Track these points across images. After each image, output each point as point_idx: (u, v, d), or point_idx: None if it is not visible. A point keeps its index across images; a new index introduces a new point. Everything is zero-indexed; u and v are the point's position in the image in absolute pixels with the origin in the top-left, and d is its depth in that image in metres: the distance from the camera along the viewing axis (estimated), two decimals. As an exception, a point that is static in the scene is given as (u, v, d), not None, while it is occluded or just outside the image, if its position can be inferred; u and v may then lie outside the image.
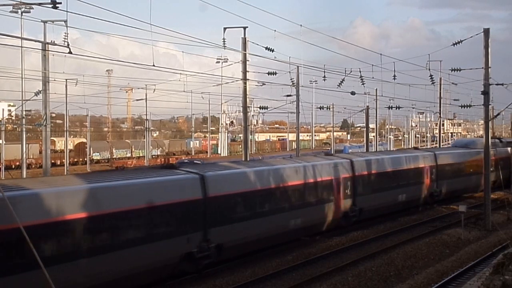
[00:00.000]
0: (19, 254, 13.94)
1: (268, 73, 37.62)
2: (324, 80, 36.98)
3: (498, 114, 42.06)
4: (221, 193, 20.41)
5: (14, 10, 36.09)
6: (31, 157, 69.73)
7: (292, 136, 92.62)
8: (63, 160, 63.20)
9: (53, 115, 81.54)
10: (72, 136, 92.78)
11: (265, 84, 40.52)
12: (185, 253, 18.94)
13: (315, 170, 26.04)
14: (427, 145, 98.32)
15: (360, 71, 35.87)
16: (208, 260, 19.77)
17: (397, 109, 60.40)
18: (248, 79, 31.91)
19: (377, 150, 61.50)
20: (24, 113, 45.95)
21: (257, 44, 30.58)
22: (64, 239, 15.23)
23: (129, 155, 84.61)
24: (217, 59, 62.42)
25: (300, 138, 47.68)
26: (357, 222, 29.22)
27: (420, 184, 35.52)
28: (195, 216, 19.26)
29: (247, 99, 32.83)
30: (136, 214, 17.17)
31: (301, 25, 30.72)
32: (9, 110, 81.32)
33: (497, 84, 33.67)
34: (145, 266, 17.52)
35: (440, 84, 51.60)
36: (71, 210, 15.42)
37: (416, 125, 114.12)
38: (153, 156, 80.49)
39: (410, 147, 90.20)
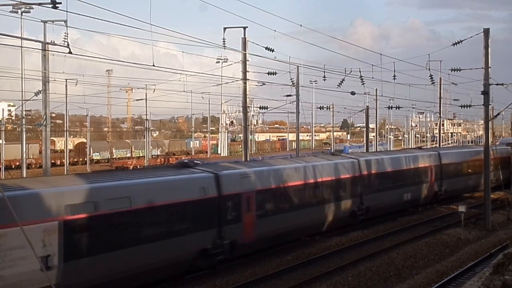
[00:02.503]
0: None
1: (268, 73, 37.62)
2: (324, 80, 36.94)
3: (498, 114, 42.07)
4: (234, 191, 21.02)
5: (14, 10, 36.12)
6: (31, 157, 69.73)
7: (292, 136, 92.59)
8: (63, 160, 63.17)
9: (53, 115, 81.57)
10: (72, 136, 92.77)
11: (265, 84, 40.53)
12: (200, 249, 19.49)
13: (317, 170, 26.57)
14: (427, 145, 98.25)
15: (360, 71, 35.84)
16: (222, 257, 20.30)
17: (397, 109, 60.42)
18: (248, 79, 31.93)
19: (377, 150, 61.52)
20: (24, 113, 45.97)
21: (257, 44, 30.64)
22: (95, 233, 15.89)
23: (129, 155, 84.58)
24: (217, 59, 62.46)
25: (300, 138, 47.67)
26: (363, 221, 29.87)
27: (425, 184, 35.98)
28: (211, 214, 19.96)
29: (247, 99, 32.84)
30: (159, 211, 17.98)
31: (301, 25, 30.72)
32: (9, 110, 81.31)
33: (497, 84, 33.67)
34: (163, 262, 18.06)
35: (440, 84, 51.60)
36: (105, 207, 16.21)
37: (416, 125, 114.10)
38: (153, 156, 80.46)
39: (410, 147, 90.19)
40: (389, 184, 32.06)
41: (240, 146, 73.15)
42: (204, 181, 19.95)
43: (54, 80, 39.88)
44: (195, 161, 24.39)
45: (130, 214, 16.96)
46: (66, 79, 50.43)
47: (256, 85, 43.31)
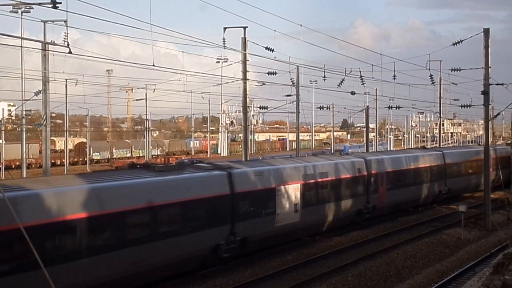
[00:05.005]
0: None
1: (268, 73, 37.63)
2: (324, 80, 36.89)
3: (498, 114, 42.05)
4: (246, 189, 21.80)
5: (14, 10, 36.11)
6: (31, 157, 69.70)
7: (292, 136, 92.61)
8: (63, 160, 63.18)
9: (53, 115, 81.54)
10: (72, 136, 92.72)
11: (265, 84, 40.54)
12: (214, 245, 20.32)
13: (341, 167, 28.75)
14: (427, 145, 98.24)
15: (360, 71, 35.80)
16: (233, 253, 21.13)
17: (397, 109, 60.39)
18: (248, 79, 31.92)
19: (377, 150, 61.54)
20: (24, 113, 45.96)
21: (257, 44, 30.61)
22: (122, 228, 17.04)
23: (129, 155, 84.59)
24: (217, 59, 62.50)
25: (300, 138, 47.66)
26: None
27: (429, 183, 36.78)
28: (224, 211, 20.86)
29: (247, 99, 32.83)
30: (178, 207, 18.91)
31: (301, 25, 30.70)
32: (9, 110, 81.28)
33: (497, 84, 33.69)
34: (180, 257, 18.94)
35: (440, 84, 51.57)
36: (125, 203, 17.10)
37: (416, 125, 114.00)
38: (153, 156, 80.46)
39: (410, 147, 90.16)
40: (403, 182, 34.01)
41: (240, 146, 73.15)
42: (218, 178, 21.13)
43: (54, 80, 39.90)
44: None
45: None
46: (66, 79, 50.52)
47: (256, 85, 43.37)
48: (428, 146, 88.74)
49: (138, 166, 20.91)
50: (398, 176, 33.20)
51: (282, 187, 23.68)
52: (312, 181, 25.77)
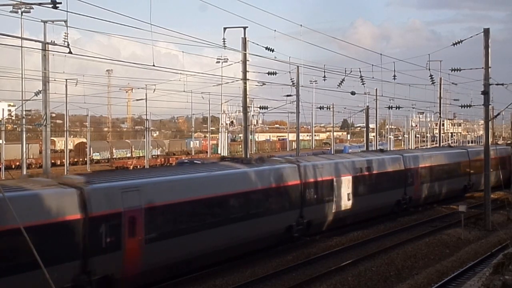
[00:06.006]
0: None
1: (268, 73, 37.63)
2: (324, 80, 36.95)
3: (498, 114, 42.11)
4: (311, 179, 25.66)
5: (14, 10, 36.06)
6: (31, 157, 69.68)
7: (292, 136, 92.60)
8: (63, 160, 63.16)
9: (53, 115, 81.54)
10: (72, 136, 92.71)
11: (265, 84, 40.51)
12: (288, 225, 24.25)
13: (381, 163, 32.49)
14: (427, 145, 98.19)
15: (360, 71, 35.84)
16: (301, 233, 25.00)
17: (397, 109, 60.40)
18: (248, 79, 31.91)
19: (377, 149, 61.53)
20: (24, 113, 45.96)
21: (257, 44, 30.62)
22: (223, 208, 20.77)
23: (129, 155, 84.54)
24: (217, 59, 62.36)
25: (300, 138, 47.66)
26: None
27: (456, 177, 39.71)
28: (295, 197, 24.70)
29: (247, 99, 32.83)
30: (263, 193, 22.79)
31: (301, 25, 30.76)
32: (9, 110, 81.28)
33: (497, 84, 33.66)
34: (264, 234, 22.89)
35: (440, 84, 51.54)
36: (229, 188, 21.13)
37: (416, 125, 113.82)
38: (153, 156, 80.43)
39: (410, 147, 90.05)
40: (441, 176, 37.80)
41: (240, 146, 73.17)
42: (290, 170, 25.23)
43: (54, 80, 39.96)
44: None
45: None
46: (66, 79, 50.54)
47: (256, 85, 43.34)
48: (429, 146, 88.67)
49: (227, 159, 26.04)
50: (430, 171, 36.53)
51: (338, 178, 27.62)
52: (361, 174, 29.62)
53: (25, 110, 49.45)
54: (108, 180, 17.65)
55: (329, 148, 73.67)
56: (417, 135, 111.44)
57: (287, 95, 46.64)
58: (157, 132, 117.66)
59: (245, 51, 30.43)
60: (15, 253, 14.02)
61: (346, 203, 27.93)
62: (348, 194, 28.10)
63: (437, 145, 60.56)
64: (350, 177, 28.36)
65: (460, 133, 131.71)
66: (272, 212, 22.98)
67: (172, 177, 19.69)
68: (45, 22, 29.42)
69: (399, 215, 32.73)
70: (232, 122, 78.47)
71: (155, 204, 17.76)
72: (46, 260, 12.67)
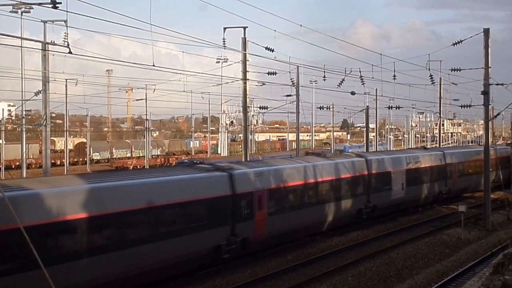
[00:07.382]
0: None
1: (268, 73, 37.60)
2: (324, 80, 36.79)
3: (498, 114, 42.05)
4: (376, 171, 30.90)
5: (14, 10, 36.08)
6: (31, 157, 69.68)
7: (292, 136, 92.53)
8: (63, 160, 63.18)
9: (53, 115, 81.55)
10: (72, 136, 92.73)
11: (265, 84, 40.49)
12: (358, 208, 29.33)
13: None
14: (427, 145, 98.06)
15: (360, 71, 35.74)
16: (369, 216, 29.95)
17: (397, 109, 60.32)
18: (248, 79, 31.90)
19: (377, 149, 61.59)
20: (24, 113, 45.94)
21: (257, 44, 30.58)
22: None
23: (129, 155, 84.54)
24: (217, 59, 62.33)
25: (300, 138, 47.65)
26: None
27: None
28: (364, 185, 29.81)
29: (247, 99, 32.83)
30: (340, 182, 27.98)
31: (301, 25, 30.65)
32: (9, 110, 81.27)
33: (497, 84, 33.67)
34: (338, 214, 27.42)
35: (440, 84, 51.50)
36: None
37: (416, 125, 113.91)
38: (153, 156, 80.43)
39: (411, 147, 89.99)
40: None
41: (240, 146, 73.10)
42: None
43: (54, 80, 39.92)
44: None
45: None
46: (66, 79, 50.50)
47: (256, 85, 43.31)
48: (429, 146, 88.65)
49: (311, 153, 31.91)
50: (463, 166, 40.71)
51: (395, 170, 32.67)
52: (412, 167, 34.37)
53: (25, 110, 49.42)
54: (244, 167, 23.09)
55: (329, 148, 73.55)
56: (417, 135, 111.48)
57: (287, 95, 46.63)
58: (157, 132, 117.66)
59: (245, 51, 30.42)
60: (185, 221, 19.10)
61: (400, 191, 32.97)
62: (402, 184, 33.15)
63: (437, 145, 60.52)
64: (404, 170, 33.51)
65: (460, 133, 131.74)
66: (348, 197, 28.20)
67: (287, 165, 25.16)
68: (45, 22, 29.39)
69: (440, 203, 37.38)
70: (232, 122, 78.48)
71: (274, 186, 23.21)
72: (213, 224, 19.95)
